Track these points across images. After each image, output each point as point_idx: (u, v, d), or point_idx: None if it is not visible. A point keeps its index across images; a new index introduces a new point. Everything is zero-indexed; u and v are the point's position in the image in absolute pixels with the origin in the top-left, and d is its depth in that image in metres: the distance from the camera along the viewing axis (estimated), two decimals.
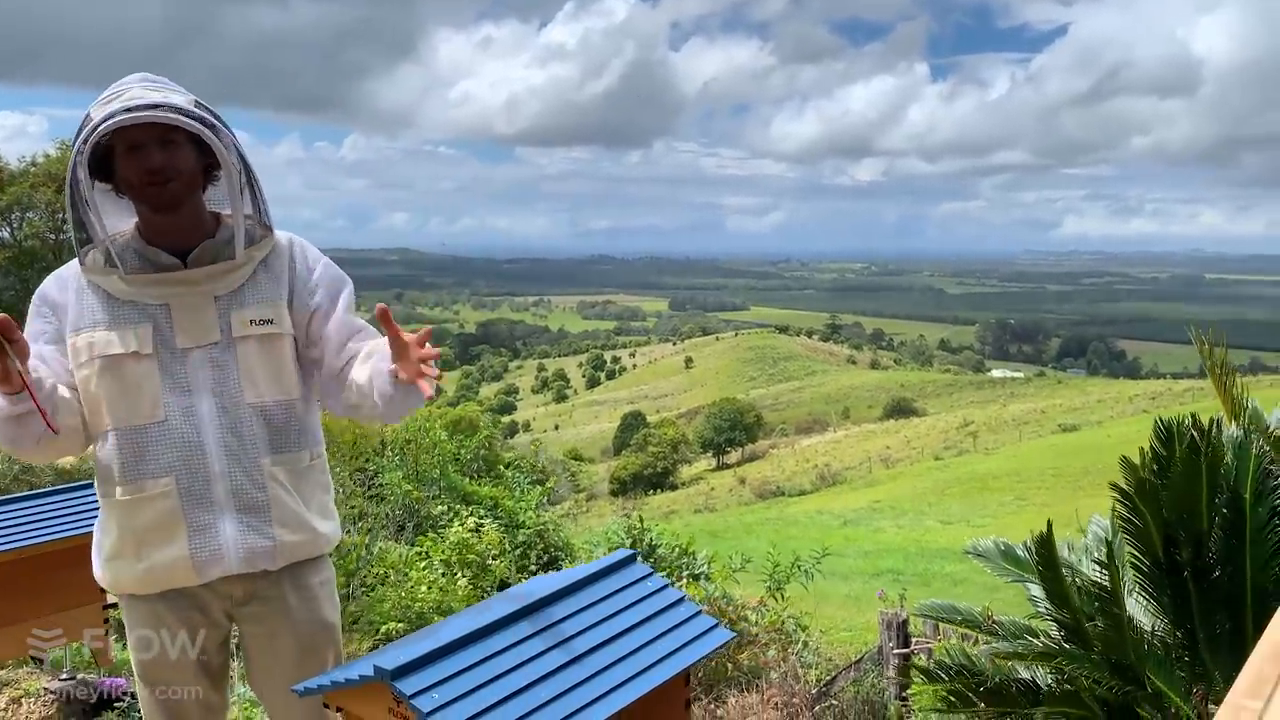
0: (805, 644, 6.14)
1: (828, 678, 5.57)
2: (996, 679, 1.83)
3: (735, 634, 2.03)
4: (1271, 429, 2.04)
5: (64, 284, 1.95)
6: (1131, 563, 1.95)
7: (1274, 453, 1.93)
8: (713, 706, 4.68)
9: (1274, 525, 1.86)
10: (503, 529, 6.60)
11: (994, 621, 2.23)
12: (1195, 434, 1.83)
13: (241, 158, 1.90)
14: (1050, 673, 1.86)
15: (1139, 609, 2.04)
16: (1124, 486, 1.87)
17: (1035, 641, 1.90)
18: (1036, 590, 2.10)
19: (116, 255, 1.88)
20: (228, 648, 2.12)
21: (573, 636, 1.78)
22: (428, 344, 1.82)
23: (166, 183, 1.84)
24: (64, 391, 1.88)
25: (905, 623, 5.19)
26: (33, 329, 1.94)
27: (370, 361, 1.94)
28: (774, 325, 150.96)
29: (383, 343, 1.92)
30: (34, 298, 1.97)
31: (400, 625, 5.11)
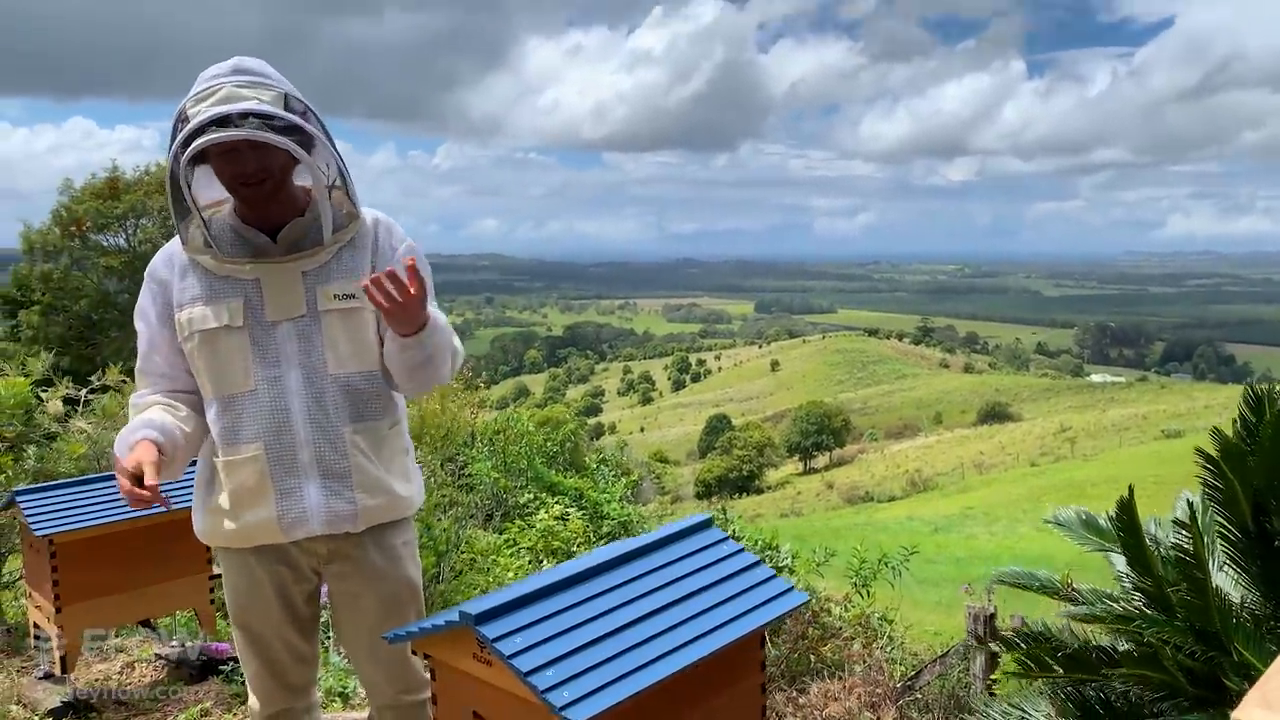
0: (890, 639, 6.07)
1: (913, 672, 5.50)
2: (1075, 645, 1.81)
3: (810, 595, 2.06)
4: None
5: (170, 261, 2.09)
6: (1219, 532, 1.90)
7: None
8: (795, 695, 4.68)
9: None
10: (587, 519, 6.69)
11: (1073, 589, 2.20)
12: None
13: (332, 150, 1.98)
14: (1129, 638, 1.83)
15: (1228, 582, 1.98)
16: (1210, 452, 1.83)
17: (1115, 606, 1.87)
18: (1118, 560, 2.06)
19: (214, 235, 2.01)
20: (316, 601, 2.24)
21: (650, 592, 1.83)
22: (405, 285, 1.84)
23: (258, 183, 1.95)
24: (181, 437, 2.00)
25: (993, 616, 5.10)
26: (144, 303, 2.11)
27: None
28: (863, 328, 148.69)
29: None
30: (146, 273, 2.12)
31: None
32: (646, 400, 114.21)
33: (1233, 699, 1.78)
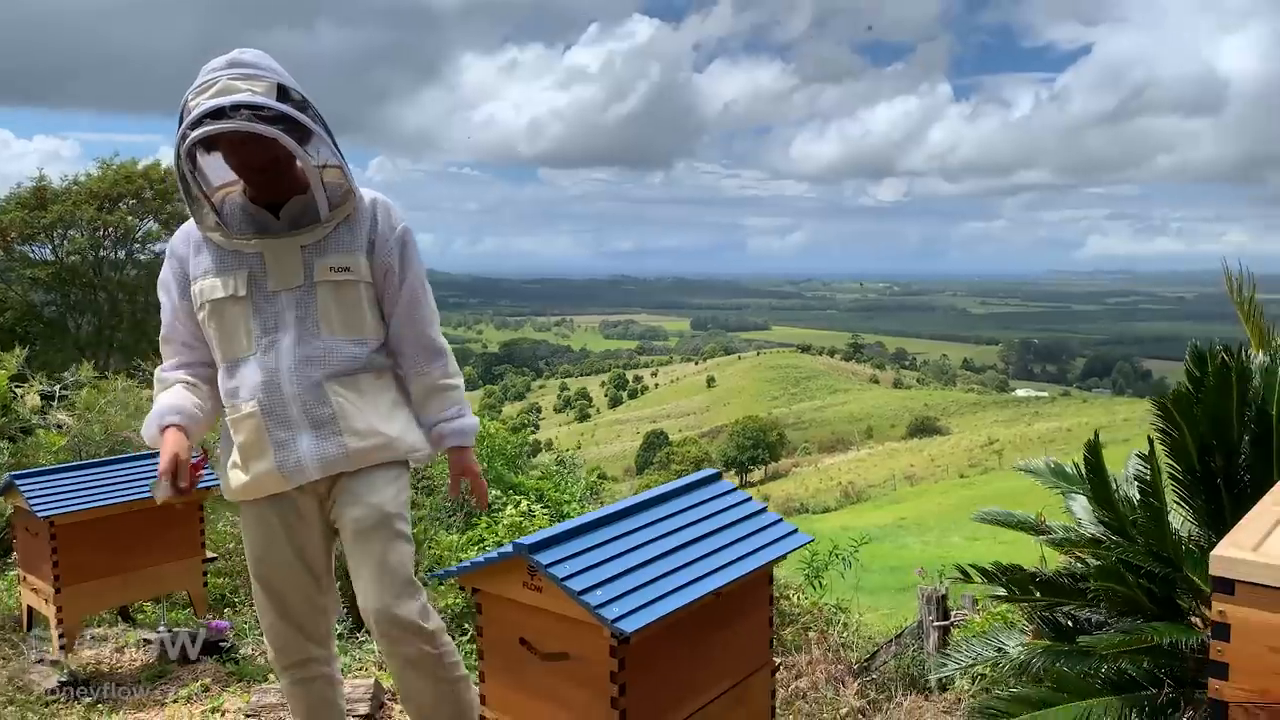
0: (845, 625, 6.33)
1: (869, 654, 5.76)
2: (1049, 574, 2.05)
3: (812, 537, 2.26)
4: None
5: (186, 239, 2.29)
6: (1170, 474, 2.17)
7: None
8: None
9: None
10: (550, 517, 6.82)
11: (1046, 524, 2.46)
12: (1226, 356, 2.07)
13: (324, 135, 2.11)
14: (1097, 559, 2.08)
15: (1178, 521, 2.26)
16: (1164, 402, 2.10)
17: (1085, 533, 2.12)
18: (1078, 506, 2.32)
19: (227, 213, 2.21)
20: (330, 554, 2.38)
21: (676, 530, 2.03)
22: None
23: (261, 171, 2.14)
24: (201, 418, 2.28)
25: (944, 597, 5.38)
26: (165, 277, 2.32)
27: (431, 413, 2.36)
28: (796, 344, 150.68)
29: (449, 408, 2.36)
30: (167, 249, 2.34)
31: (461, 601, 5.34)
32: (584, 417, 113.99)
33: (1186, 616, 2.04)
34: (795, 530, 2.20)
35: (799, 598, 6.00)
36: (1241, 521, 1.12)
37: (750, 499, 2.26)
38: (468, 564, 1.95)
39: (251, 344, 2.20)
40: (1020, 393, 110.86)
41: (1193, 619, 2.03)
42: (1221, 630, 1.07)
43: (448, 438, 2.36)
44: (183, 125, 2.03)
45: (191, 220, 2.27)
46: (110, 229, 22.77)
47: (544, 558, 1.80)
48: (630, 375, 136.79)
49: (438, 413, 2.36)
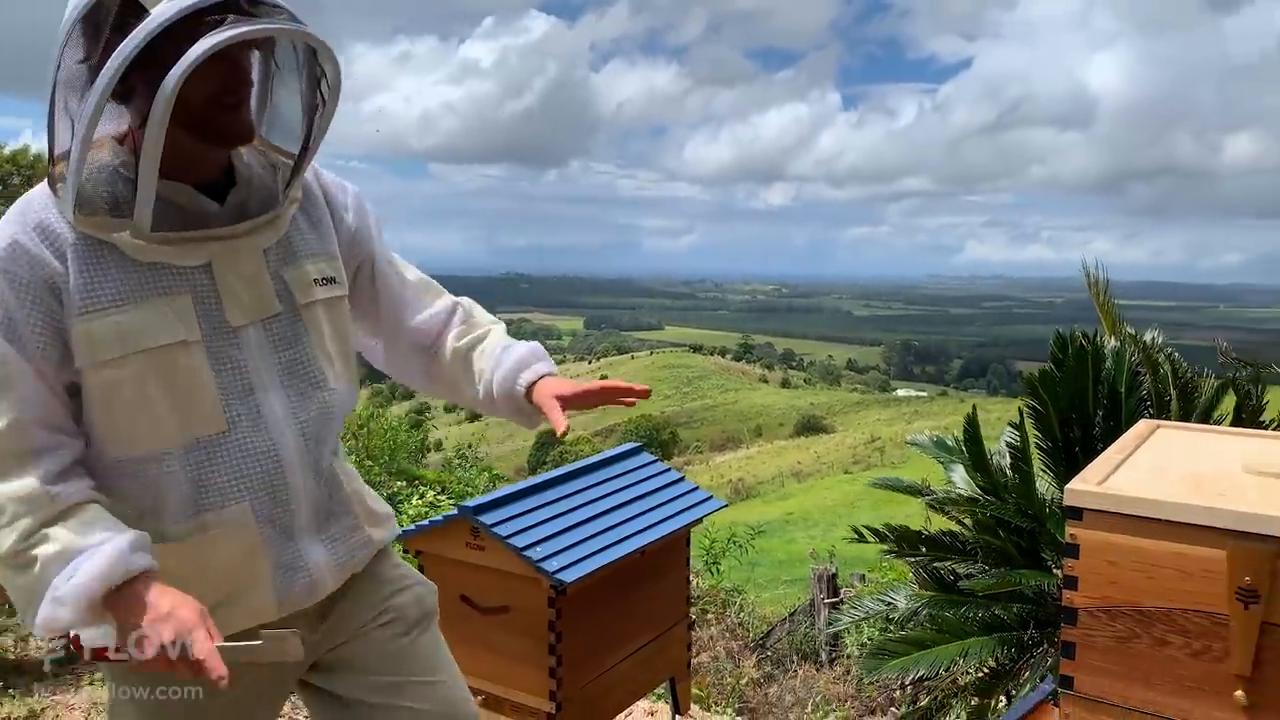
0: (741, 607, 6.64)
1: (763, 632, 6.07)
2: (932, 533, 2.32)
3: (726, 503, 2.48)
4: (1139, 338, 2.61)
5: (48, 237, 1.27)
6: (1037, 444, 2.47)
7: (1142, 359, 2.50)
8: None
9: (1141, 411, 2.43)
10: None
11: (930, 489, 2.74)
12: (1084, 341, 2.38)
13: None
14: (972, 517, 2.36)
15: (1043, 486, 2.57)
16: (1031, 380, 2.40)
17: (963, 494, 2.41)
18: (958, 475, 2.61)
19: (115, 197, 1.26)
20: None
21: (604, 496, 2.22)
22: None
23: (242, 105, 1.32)
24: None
25: (834, 576, 5.73)
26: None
27: (502, 361, 1.69)
28: (688, 345, 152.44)
29: (523, 354, 1.73)
30: None
31: None
32: (475, 416, 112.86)
33: (1048, 566, 2.33)
34: (710, 497, 2.41)
35: (698, 582, 6.28)
36: (1090, 464, 1.38)
37: (670, 469, 2.46)
38: (412, 528, 2.10)
39: (219, 417, 1.34)
40: (901, 393, 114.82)
41: (1055, 570, 2.32)
42: (1072, 550, 1.31)
43: (536, 368, 1.75)
44: (167, 12, 1.15)
45: (34, 206, 1.29)
46: None
47: (488, 519, 1.96)
48: None
49: (509, 359, 1.71)
